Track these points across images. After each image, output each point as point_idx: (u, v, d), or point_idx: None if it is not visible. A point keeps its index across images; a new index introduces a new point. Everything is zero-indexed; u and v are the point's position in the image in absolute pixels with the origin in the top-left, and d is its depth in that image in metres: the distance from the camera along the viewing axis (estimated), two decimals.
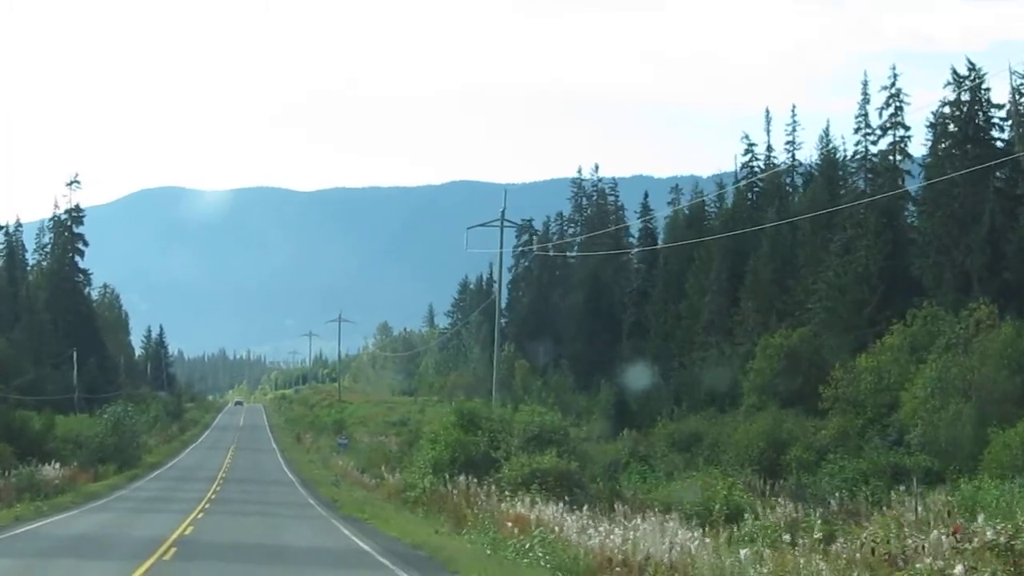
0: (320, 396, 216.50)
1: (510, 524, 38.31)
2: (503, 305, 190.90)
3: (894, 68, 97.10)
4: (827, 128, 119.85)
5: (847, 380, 65.54)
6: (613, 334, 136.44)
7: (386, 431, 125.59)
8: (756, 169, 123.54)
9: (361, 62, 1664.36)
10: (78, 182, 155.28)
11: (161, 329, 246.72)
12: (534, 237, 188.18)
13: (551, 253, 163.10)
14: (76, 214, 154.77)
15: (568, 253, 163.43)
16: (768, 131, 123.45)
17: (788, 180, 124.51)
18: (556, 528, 34.72)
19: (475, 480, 51.13)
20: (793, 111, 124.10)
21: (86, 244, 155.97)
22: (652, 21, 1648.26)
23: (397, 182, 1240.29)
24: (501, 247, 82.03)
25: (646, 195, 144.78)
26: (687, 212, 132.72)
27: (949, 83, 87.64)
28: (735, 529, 34.52)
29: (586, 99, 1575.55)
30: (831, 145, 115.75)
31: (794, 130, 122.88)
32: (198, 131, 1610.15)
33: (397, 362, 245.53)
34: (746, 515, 36.56)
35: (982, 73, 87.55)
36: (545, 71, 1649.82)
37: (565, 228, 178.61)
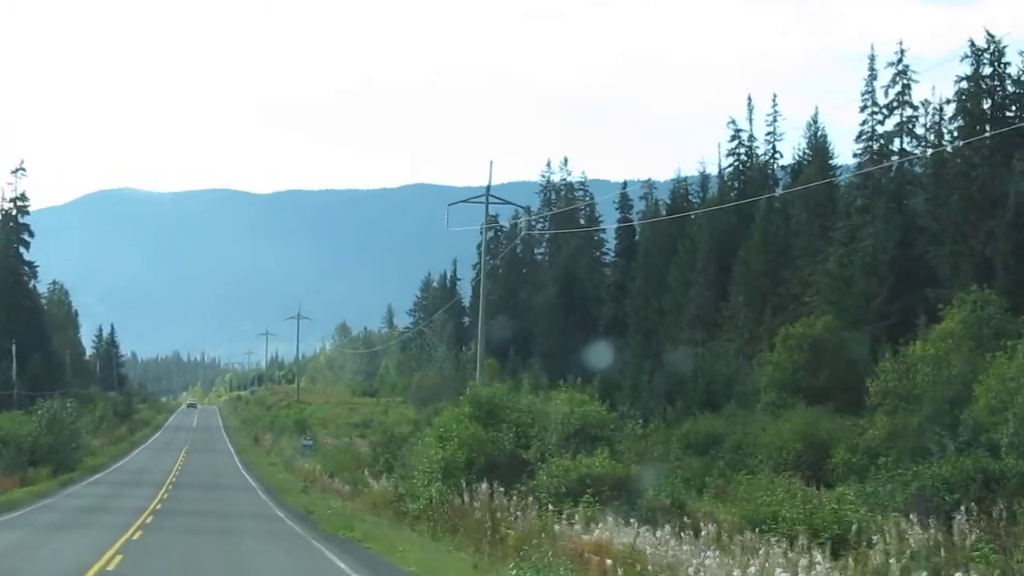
0: (277, 397, 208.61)
1: (588, 555, 27.65)
2: (466, 304, 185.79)
3: (901, 44, 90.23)
4: (815, 115, 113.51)
5: (898, 372, 57.41)
6: (588, 330, 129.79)
7: (349, 432, 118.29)
8: (742, 157, 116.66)
9: (316, 65, 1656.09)
10: (24, 169, 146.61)
11: (112, 328, 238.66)
12: (500, 232, 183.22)
13: (542, 230, 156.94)
14: (21, 203, 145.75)
15: (560, 230, 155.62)
16: (750, 120, 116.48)
17: (771, 171, 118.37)
18: (667, 563, 25.23)
19: (501, 488, 39.71)
20: (774, 100, 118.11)
21: (32, 235, 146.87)
22: (611, 24, 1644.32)
23: (354, 184, 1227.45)
24: (485, 223, 74.87)
25: (624, 184, 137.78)
26: (669, 202, 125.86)
27: (966, 56, 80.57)
28: (874, 557, 25.78)
29: (542, 103, 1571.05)
30: (820, 132, 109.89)
31: (775, 120, 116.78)
32: (153, 133, 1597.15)
33: (357, 362, 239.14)
34: (873, 537, 27.22)
35: (1002, 45, 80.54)
36: (506, 73, 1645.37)
37: (533, 224, 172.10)
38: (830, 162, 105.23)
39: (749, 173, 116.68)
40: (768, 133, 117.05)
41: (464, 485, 41.81)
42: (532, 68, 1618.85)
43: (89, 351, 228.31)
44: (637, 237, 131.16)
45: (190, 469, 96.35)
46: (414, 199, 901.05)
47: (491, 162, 68.68)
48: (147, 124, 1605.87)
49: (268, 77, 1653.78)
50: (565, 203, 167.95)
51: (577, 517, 31.91)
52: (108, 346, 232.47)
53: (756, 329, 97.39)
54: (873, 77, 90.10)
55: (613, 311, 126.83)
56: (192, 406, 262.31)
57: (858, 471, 46.07)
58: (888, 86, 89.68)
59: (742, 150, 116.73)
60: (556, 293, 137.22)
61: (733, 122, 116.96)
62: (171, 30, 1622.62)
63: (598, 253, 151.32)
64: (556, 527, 31.26)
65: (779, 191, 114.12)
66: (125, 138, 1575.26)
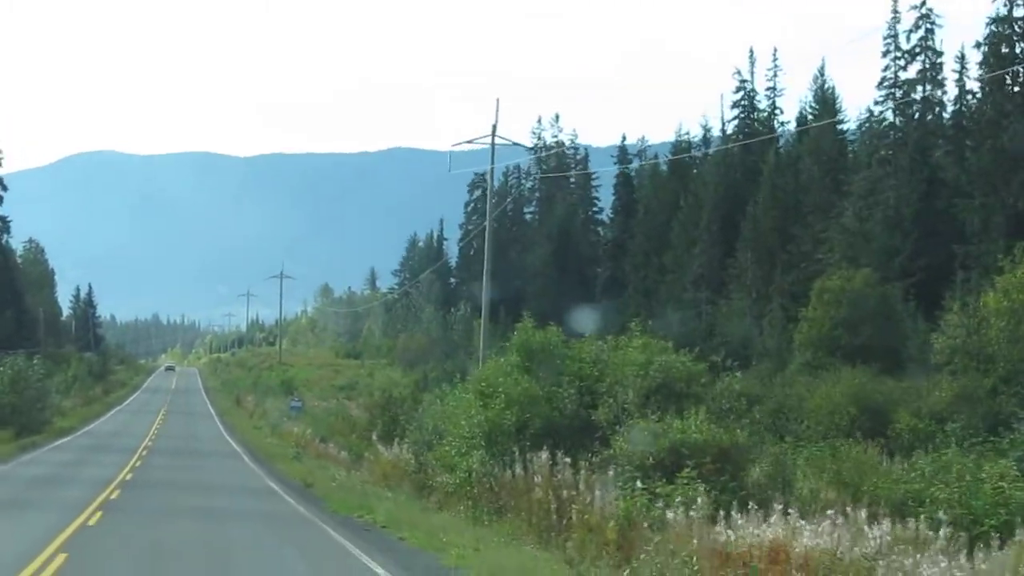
0: (258, 359, 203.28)
1: (756, 562, 19.53)
2: (454, 265, 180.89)
3: None
4: (822, 67, 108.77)
5: (968, 327, 51.63)
6: (583, 291, 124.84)
7: (335, 395, 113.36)
8: (747, 108, 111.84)
9: (298, 29, 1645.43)
10: None
11: (90, 288, 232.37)
12: (485, 193, 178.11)
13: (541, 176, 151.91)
14: None
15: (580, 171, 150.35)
16: (752, 73, 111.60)
17: (775, 128, 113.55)
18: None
19: (567, 459, 31.24)
20: (775, 55, 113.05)
21: (5, 188, 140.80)
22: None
23: (335, 148, 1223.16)
24: (492, 163, 69.31)
25: (623, 138, 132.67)
26: (669, 158, 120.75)
27: None
28: None
29: (542, 96, 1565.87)
30: (827, 85, 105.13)
31: (775, 75, 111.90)
32: (133, 95, 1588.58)
33: (340, 324, 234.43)
34: None
35: None
36: (505, 73, 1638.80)
37: (523, 181, 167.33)
38: (839, 116, 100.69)
39: (754, 126, 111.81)
40: (768, 88, 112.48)
41: (517, 454, 33.69)
42: (532, 68, 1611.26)
43: (66, 312, 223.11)
44: (635, 194, 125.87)
45: (168, 433, 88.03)
46: (396, 163, 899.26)
47: (497, 100, 62.64)
48: (128, 86, 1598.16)
49: (252, 39, 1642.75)
50: (556, 160, 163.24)
51: (704, 503, 22.99)
52: (85, 306, 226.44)
53: (765, 288, 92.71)
54: (896, 20, 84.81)
55: (611, 270, 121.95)
56: (170, 369, 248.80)
57: (925, 439, 40.80)
58: (911, 31, 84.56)
59: (746, 102, 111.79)
60: (549, 252, 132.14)
61: (738, 72, 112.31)
62: (153, 6, 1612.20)
63: (593, 211, 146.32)
64: (669, 514, 23.20)
65: (784, 142, 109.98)
66: (105, 100, 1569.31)
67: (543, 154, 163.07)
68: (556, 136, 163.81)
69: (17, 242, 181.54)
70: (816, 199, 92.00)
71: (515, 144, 71.88)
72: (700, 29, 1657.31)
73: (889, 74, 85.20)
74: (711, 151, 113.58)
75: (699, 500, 22.65)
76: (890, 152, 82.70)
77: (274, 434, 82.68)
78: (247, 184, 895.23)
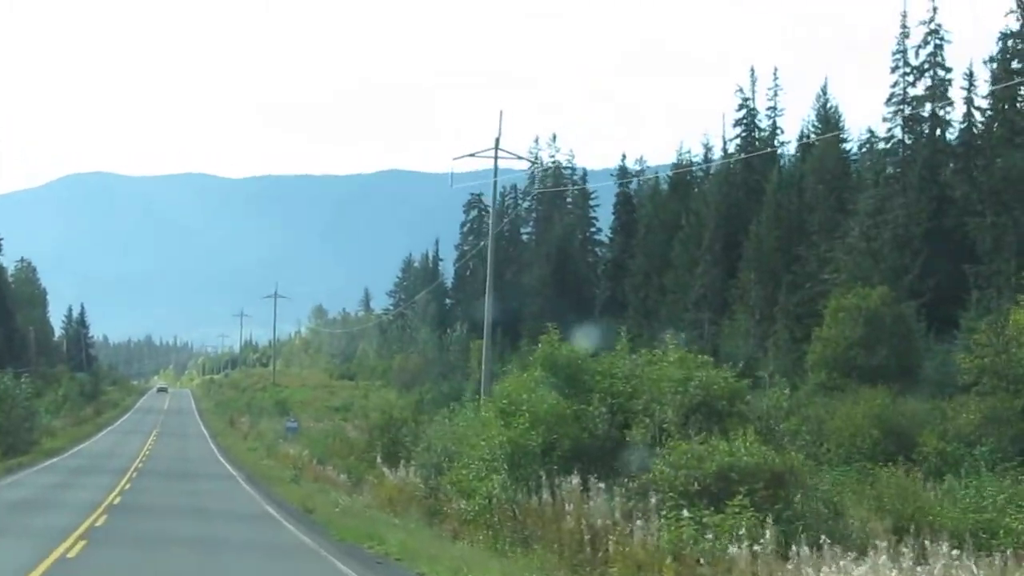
0: (252, 380, 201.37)
1: None
2: (450, 287, 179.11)
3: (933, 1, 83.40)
4: (824, 86, 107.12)
5: (996, 347, 49.42)
6: (582, 311, 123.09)
7: (330, 416, 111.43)
8: (749, 126, 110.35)
9: (294, 50, 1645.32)
10: None
11: (82, 307, 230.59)
12: (485, 212, 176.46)
13: (570, 187, 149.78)
14: None
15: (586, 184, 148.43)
16: (753, 92, 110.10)
17: (776, 146, 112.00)
18: None
19: (600, 484, 29.00)
20: (775, 74, 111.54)
21: None
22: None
23: (328, 170, 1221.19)
24: (496, 175, 67.50)
25: (623, 157, 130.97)
26: (670, 176, 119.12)
27: (1012, 11, 73.85)
28: None
29: (540, 103, 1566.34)
30: (829, 104, 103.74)
31: (775, 95, 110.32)
32: (128, 117, 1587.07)
33: (334, 345, 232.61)
34: None
35: None
36: (505, 73, 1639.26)
37: (520, 201, 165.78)
38: (842, 135, 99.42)
39: (756, 144, 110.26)
40: (769, 108, 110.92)
41: (543, 478, 30.74)
42: (532, 68, 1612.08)
43: (59, 332, 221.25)
44: (635, 213, 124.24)
45: (159, 454, 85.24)
46: (390, 184, 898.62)
47: (501, 112, 60.59)
48: (123, 107, 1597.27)
49: (247, 62, 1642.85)
50: (554, 181, 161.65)
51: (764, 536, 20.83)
52: (77, 326, 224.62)
53: (769, 308, 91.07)
54: (905, 35, 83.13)
55: (611, 290, 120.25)
56: (163, 390, 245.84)
57: (952, 463, 38.85)
58: (919, 46, 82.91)
59: (748, 120, 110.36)
60: (548, 272, 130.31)
61: (740, 90, 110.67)
62: (149, 12, 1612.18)
63: (591, 231, 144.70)
64: (732, 549, 20.92)
65: (785, 162, 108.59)
66: (101, 121, 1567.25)
67: (539, 172, 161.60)
68: (553, 156, 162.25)
69: (9, 261, 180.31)
70: (821, 218, 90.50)
71: (519, 157, 70.07)
72: (701, 46, 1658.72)
73: (898, 90, 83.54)
74: (712, 169, 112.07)
75: (767, 533, 20.27)
76: (898, 170, 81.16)
77: (270, 455, 79.48)
78: (241, 206, 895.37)
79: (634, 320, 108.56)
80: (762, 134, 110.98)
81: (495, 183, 68.75)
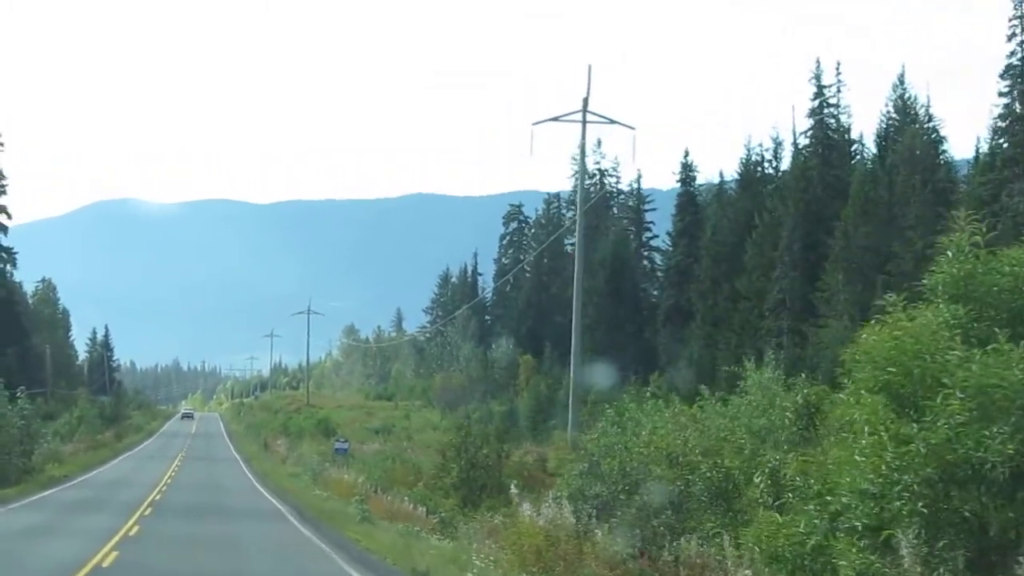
0: (284, 401, 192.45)
1: None
2: (489, 303, 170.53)
3: None
4: (902, 75, 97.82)
5: None
6: (642, 321, 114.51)
7: (370, 438, 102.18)
8: (826, 118, 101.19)
9: (319, 75, 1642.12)
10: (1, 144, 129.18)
11: (107, 330, 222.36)
12: (526, 224, 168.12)
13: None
14: None
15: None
16: (819, 84, 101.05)
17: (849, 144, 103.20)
18: None
19: None
20: (838, 69, 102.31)
21: (9, 216, 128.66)
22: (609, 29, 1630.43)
23: (354, 195, 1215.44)
24: (584, 139, 57.92)
25: (686, 153, 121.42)
26: (738, 174, 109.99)
27: None
28: None
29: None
30: (907, 94, 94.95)
31: (839, 91, 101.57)
32: (153, 144, 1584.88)
33: (368, 366, 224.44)
34: None
35: None
36: (506, 85, 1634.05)
37: (564, 211, 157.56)
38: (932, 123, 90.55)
39: (832, 137, 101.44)
40: (831, 105, 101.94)
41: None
42: (535, 72, 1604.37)
43: (84, 355, 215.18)
44: (699, 214, 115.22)
45: (183, 483, 70.95)
46: (416, 209, 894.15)
47: (589, 66, 50.46)
48: (148, 135, 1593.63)
49: (272, 88, 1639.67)
50: (599, 187, 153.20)
51: None
52: (102, 349, 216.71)
53: (863, 312, 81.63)
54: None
55: (674, 298, 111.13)
56: (188, 416, 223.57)
57: None
58: None
59: (826, 109, 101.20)
60: (602, 281, 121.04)
61: (816, 78, 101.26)
62: (176, 41, 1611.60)
63: (648, 236, 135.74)
64: None
65: (860, 156, 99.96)
66: (125, 148, 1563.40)
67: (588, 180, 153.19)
68: (598, 163, 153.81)
69: (32, 284, 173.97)
70: (918, 211, 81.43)
71: (610, 121, 59.32)
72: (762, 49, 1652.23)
73: (1016, 60, 74.15)
74: (787, 165, 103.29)
75: None
76: (1019, 150, 71.75)
77: (317, 483, 65.66)
78: (267, 231, 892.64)
79: (701, 329, 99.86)
80: (837, 124, 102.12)
81: (582, 148, 59.10)
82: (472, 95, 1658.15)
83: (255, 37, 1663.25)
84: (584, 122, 54.21)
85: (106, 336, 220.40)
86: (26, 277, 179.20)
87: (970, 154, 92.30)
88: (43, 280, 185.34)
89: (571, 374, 55.91)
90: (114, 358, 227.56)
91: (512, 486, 38.39)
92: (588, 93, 52.59)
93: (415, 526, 40.40)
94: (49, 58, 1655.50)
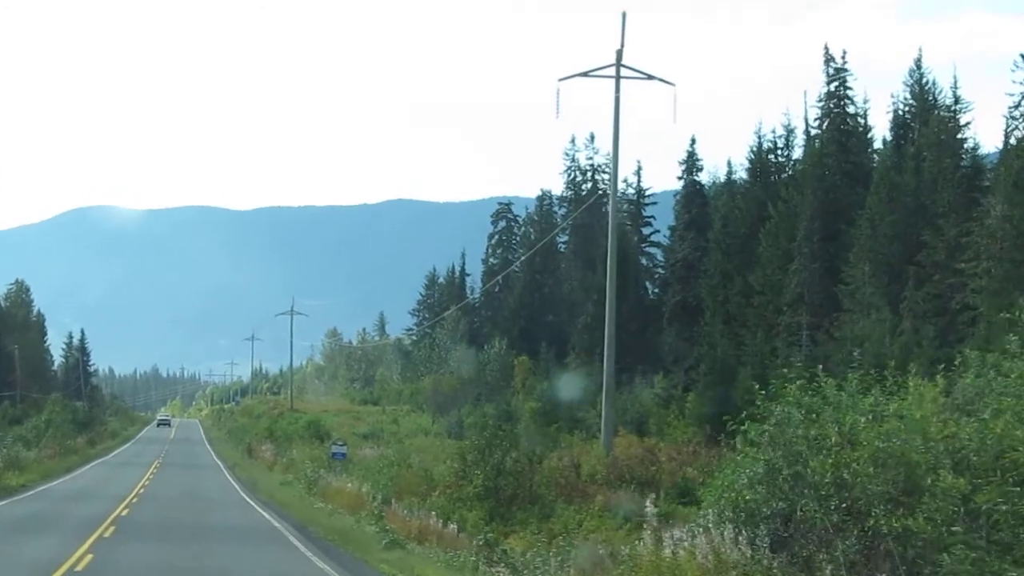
0: (267, 406, 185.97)
1: None
2: (476, 303, 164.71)
3: None
4: (919, 59, 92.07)
5: None
6: (647, 319, 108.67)
7: (360, 443, 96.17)
8: (846, 99, 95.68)
9: (297, 81, 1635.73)
10: None
11: (83, 333, 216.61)
12: (515, 223, 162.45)
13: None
14: None
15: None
16: (827, 73, 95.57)
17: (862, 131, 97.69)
18: None
19: None
20: (844, 56, 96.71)
21: None
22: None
23: (333, 201, 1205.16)
24: (618, 95, 51.17)
25: (692, 141, 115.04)
26: (748, 162, 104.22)
27: None
28: None
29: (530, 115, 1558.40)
30: (924, 79, 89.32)
31: (843, 83, 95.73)
32: (132, 150, 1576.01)
33: (353, 369, 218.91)
34: None
35: None
36: (487, 89, 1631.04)
37: (556, 208, 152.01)
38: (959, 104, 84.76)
39: (848, 122, 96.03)
40: (848, 87, 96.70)
41: None
42: (527, 82, 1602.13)
43: (60, 360, 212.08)
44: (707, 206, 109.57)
45: (157, 494, 62.12)
46: (395, 214, 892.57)
47: (623, 14, 44.30)
48: (126, 142, 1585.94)
49: (250, 94, 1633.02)
50: (592, 185, 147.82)
51: None
52: (77, 353, 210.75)
53: (889, 305, 76.13)
54: None
55: (681, 294, 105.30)
56: (164, 423, 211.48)
57: None
58: None
59: (841, 93, 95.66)
60: (602, 277, 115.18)
61: (832, 60, 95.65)
62: (152, 50, 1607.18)
63: (648, 232, 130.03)
64: None
65: (880, 146, 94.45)
66: (104, 155, 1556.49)
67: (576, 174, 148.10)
68: (591, 158, 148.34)
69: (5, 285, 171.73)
70: (950, 197, 76.05)
71: (647, 76, 52.36)
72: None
73: None
74: (801, 153, 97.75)
75: None
76: None
77: (314, 493, 57.30)
78: (247, 237, 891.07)
79: (712, 326, 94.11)
80: (855, 111, 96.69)
81: (616, 109, 52.31)
82: (452, 100, 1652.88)
83: (233, 45, 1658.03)
84: (618, 77, 47.92)
85: (82, 340, 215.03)
86: (3, 283, 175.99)
87: (992, 142, 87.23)
88: (16, 282, 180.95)
89: (605, 377, 50.36)
90: (91, 363, 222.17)
91: (648, 502, 27.18)
92: (622, 44, 46.25)
93: (454, 550, 32.99)
94: (28, 66, 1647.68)
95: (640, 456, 44.41)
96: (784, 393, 20.84)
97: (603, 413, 54.67)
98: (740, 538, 19.48)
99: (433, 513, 38.85)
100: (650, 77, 50.93)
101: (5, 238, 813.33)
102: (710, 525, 19.61)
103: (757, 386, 21.77)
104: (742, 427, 20.82)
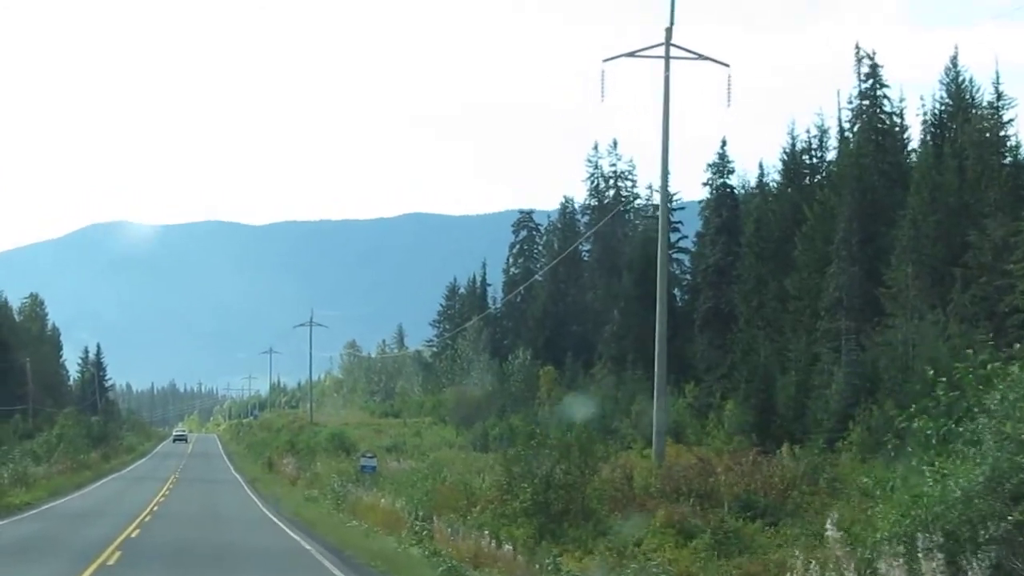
0: (286, 420, 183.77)
1: None
2: (498, 314, 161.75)
3: None
4: (955, 57, 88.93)
5: None
6: (677, 327, 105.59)
7: (384, 457, 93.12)
8: (883, 97, 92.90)
9: (313, 96, 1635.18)
10: None
11: (98, 348, 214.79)
12: (536, 231, 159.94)
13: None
14: None
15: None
16: (857, 73, 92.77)
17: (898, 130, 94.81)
18: None
19: None
20: (873, 57, 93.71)
21: None
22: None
23: (349, 215, 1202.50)
24: (667, 74, 47.88)
25: (723, 143, 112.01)
26: (782, 164, 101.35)
27: None
28: None
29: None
30: (960, 77, 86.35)
31: (875, 84, 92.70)
32: (146, 166, 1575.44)
33: (372, 382, 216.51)
34: None
35: None
36: (500, 101, 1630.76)
37: (579, 216, 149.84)
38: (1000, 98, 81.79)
39: (884, 123, 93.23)
40: (884, 86, 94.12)
41: None
42: (541, 94, 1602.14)
43: (76, 377, 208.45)
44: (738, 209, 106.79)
45: (173, 512, 58.19)
46: (411, 227, 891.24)
47: (672, 1, 41.41)
48: (141, 158, 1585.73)
49: (265, 109, 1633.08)
50: (615, 192, 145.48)
51: None
52: (93, 368, 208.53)
53: (933, 308, 73.24)
54: None
55: (713, 300, 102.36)
56: (181, 438, 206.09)
57: None
58: None
59: (877, 90, 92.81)
60: (630, 285, 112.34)
61: (868, 56, 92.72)
62: (165, 66, 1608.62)
63: (677, 237, 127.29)
64: None
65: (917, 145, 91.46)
66: (119, 172, 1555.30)
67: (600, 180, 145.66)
68: (614, 165, 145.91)
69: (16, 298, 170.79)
70: (997, 196, 73.19)
71: (700, 56, 48.90)
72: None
73: None
74: (828, 154, 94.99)
75: None
76: None
77: (343, 509, 52.54)
78: (261, 253, 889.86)
79: (747, 332, 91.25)
80: (891, 110, 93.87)
81: (667, 88, 48.84)
82: (466, 114, 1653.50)
83: (248, 60, 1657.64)
84: (668, 57, 44.77)
85: (98, 354, 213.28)
86: (19, 299, 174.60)
87: None
88: (30, 295, 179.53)
89: (656, 381, 47.48)
90: (108, 379, 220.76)
91: (829, 522, 22.70)
92: (671, 22, 43.06)
93: None
94: (42, 83, 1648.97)
95: (696, 467, 41.44)
96: (996, 373, 17.13)
97: (654, 421, 51.84)
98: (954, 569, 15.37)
99: (486, 532, 34.93)
100: (702, 57, 47.53)
101: (22, 255, 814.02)
102: (919, 554, 15.77)
103: (932, 371, 18.40)
104: (912, 424, 17.55)
